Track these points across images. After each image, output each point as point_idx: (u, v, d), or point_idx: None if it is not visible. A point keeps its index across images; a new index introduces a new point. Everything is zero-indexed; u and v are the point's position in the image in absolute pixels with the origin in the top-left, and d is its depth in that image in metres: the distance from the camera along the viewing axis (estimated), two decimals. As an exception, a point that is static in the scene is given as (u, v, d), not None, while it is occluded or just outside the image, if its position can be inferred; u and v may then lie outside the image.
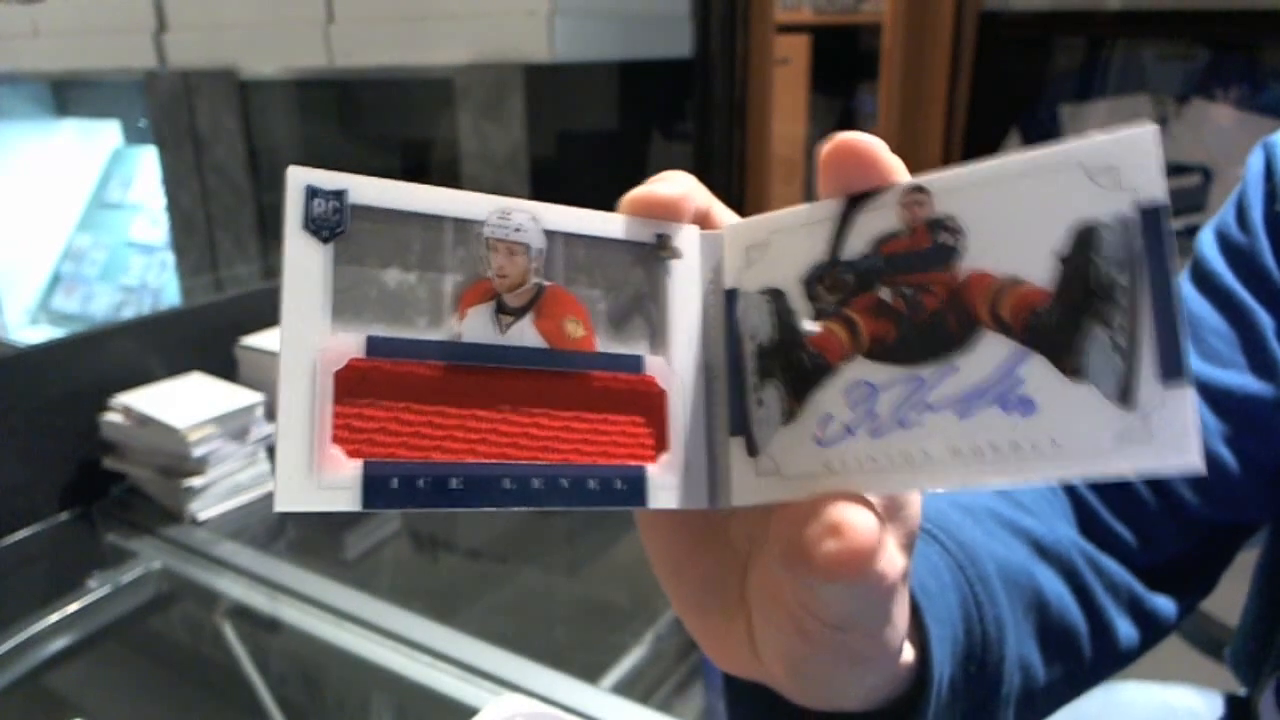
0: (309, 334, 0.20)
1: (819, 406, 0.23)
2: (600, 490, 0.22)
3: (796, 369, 0.23)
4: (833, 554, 0.20)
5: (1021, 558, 0.39)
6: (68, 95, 2.57)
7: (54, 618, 0.78)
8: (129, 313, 2.42)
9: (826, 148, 0.23)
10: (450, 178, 1.62)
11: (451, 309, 0.21)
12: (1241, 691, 0.64)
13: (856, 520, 0.20)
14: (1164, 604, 0.45)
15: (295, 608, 0.78)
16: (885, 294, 0.22)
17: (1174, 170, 1.81)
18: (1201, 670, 0.78)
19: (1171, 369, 0.18)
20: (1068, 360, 0.19)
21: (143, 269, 2.47)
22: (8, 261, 2.55)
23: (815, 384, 0.23)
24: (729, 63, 1.79)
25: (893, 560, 0.23)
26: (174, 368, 1.00)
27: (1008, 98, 1.97)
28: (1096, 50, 1.88)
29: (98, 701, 0.75)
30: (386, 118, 1.83)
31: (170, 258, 2.33)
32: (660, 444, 0.23)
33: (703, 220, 0.25)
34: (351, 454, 0.20)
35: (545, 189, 1.55)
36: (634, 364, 0.23)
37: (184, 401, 0.92)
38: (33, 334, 2.52)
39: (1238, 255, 0.46)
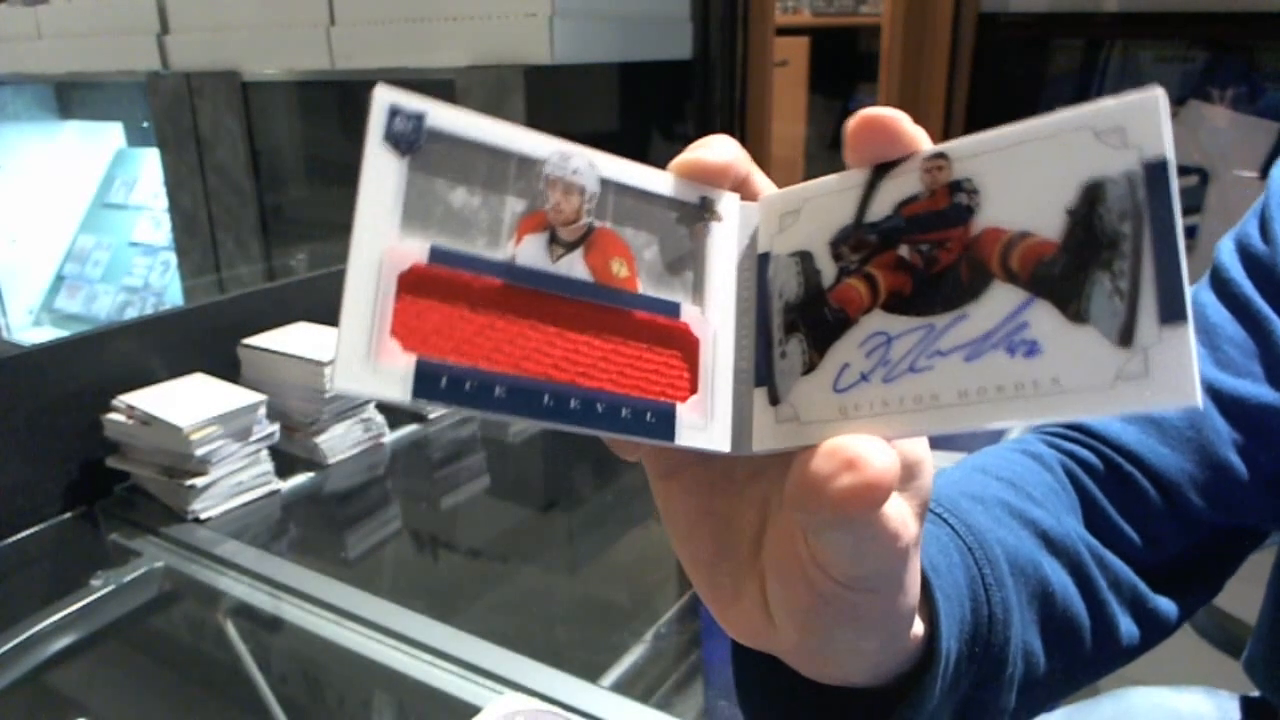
0: (378, 234, 0.21)
1: (838, 357, 0.24)
2: (632, 419, 0.23)
3: (819, 323, 0.24)
4: (847, 488, 0.21)
5: (1029, 547, 0.39)
6: (71, 97, 2.58)
7: (57, 616, 0.78)
8: (132, 313, 2.43)
9: (852, 122, 0.24)
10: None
11: (509, 234, 0.23)
12: (1257, 693, 0.63)
13: (871, 455, 0.21)
14: (1166, 605, 0.45)
15: (297, 607, 0.78)
16: (904, 251, 0.23)
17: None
18: (1221, 671, 0.76)
19: (1171, 310, 0.19)
20: (1072, 305, 0.20)
21: (145, 270, 2.47)
22: (11, 262, 2.56)
23: (836, 337, 0.24)
24: (729, 64, 1.80)
25: (906, 522, 0.23)
26: (176, 368, 1.00)
27: (1006, 99, 1.98)
28: (1094, 52, 1.88)
29: (100, 700, 0.75)
30: (388, 119, 1.84)
31: (173, 258, 2.34)
32: (692, 386, 0.25)
33: (743, 185, 0.27)
34: (407, 348, 0.21)
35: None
36: (672, 309, 0.25)
37: (186, 401, 0.92)
38: (36, 334, 2.53)
39: (1257, 266, 0.46)
